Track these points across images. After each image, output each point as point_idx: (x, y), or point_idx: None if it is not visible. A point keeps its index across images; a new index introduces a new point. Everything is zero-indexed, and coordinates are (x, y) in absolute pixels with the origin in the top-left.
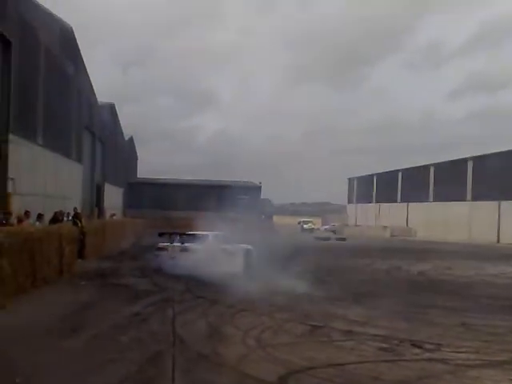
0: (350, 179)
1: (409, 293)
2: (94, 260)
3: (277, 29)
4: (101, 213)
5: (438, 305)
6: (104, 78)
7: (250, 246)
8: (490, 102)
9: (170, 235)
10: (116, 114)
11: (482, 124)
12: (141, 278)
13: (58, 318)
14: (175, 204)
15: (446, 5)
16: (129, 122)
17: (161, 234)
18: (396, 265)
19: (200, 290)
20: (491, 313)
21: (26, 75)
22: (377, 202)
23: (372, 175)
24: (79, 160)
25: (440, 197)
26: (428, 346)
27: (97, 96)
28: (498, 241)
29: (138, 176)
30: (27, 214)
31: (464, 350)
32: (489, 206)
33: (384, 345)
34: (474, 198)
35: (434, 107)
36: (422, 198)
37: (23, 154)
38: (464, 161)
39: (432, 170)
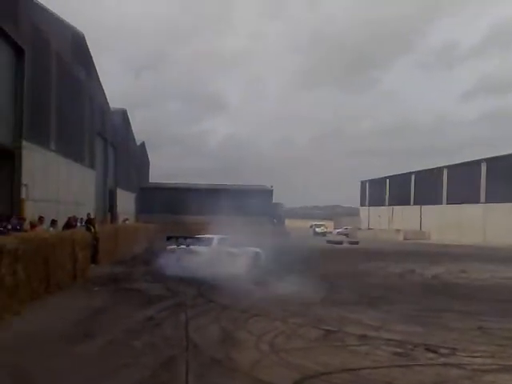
0: (362, 182)
1: (423, 297)
2: (107, 265)
3: (286, 33)
4: (113, 218)
5: (453, 309)
6: (116, 84)
7: (258, 249)
8: (501, 103)
9: (177, 238)
10: (128, 120)
11: (493, 126)
12: (153, 283)
13: (71, 324)
14: (187, 208)
15: (458, 5)
16: (140, 128)
17: (169, 238)
18: (410, 268)
19: (212, 294)
20: (507, 316)
21: (38, 82)
22: (390, 204)
23: (384, 178)
24: (92, 166)
25: (453, 199)
26: (443, 351)
27: (109, 102)
28: None
29: (150, 181)
30: (41, 219)
31: (479, 354)
32: (503, 207)
33: (398, 349)
34: (488, 200)
35: (446, 109)
36: (435, 200)
37: (36, 160)
38: (477, 162)
39: (445, 172)
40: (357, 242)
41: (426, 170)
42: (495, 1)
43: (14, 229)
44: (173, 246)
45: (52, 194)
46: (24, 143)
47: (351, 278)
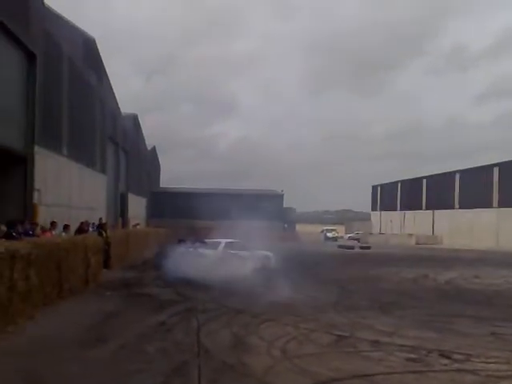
0: (373, 187)
1: (436, 302)
2: (119, 270)
3: (297, 35)
4: (125, 223)
5: (467, 314)
6: (126, 88)
7: (268, 253)
8: None
9: (187, 242)
10: (139, 125)
11: (506, 129)
12: (164, 288)
13: (84, 328)
14: (198, 213)
15: (470, 7)
16: (151, 132)
17: (179, 241)
18: (423, 273)
19: (224, 299)
20: None
21: (50, 87)
22: (401, 209)
23: (396, 182)
24: (103, 171)
25: (466, 204)
26: (457, 357)
27: (120, 106)
28: None
29: (161, 185)
30: (53, 224)
31: (494, 360)
32: None
33: (412, 355)
34: (501, 205)
35: (459, 112)
36: (447, 205)
37: (48, 165)
38: (490, 167)
39: (457, 176)
40: (368, 247)
41: (438, 175)
42: (508, 3)
43: (27, 234)
44: (183, 250)
45: (64, 199)
46: (36, 148)
47: (363, 282)
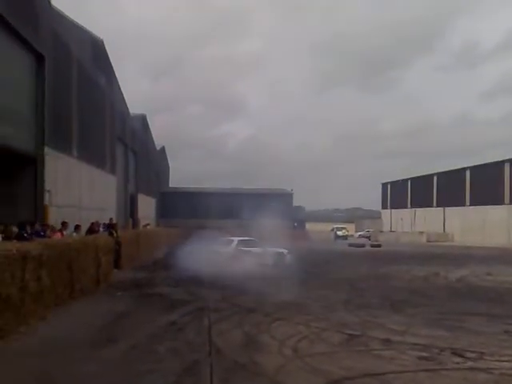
0: (383, 184)
1: (448, 300)
2: (129, 270)
3: (304, 35)
4: (135, 223)
5: (479, 312)
6: (135, 89)
7: (283, 250)
8: None
9: (198, 241)
10: (147, 125)
11: None
12: (175, 288)
13: (95, 329)
14: (207, 213)
15: (478, 4)
16: (160, 133)
17: (191, 240)
18: (434, 271)
19: (235, 298)
20: None
21: (59, 88)
22: (412, 207)
23: (406, 180)
24: (113, 171)
25: (477, 200)
26: (470, 355)
27: (128, 107)
28: None
29: (170, 185)
30: (64, 224)
31: (507, 358)
32: None
33: (424, 353)
34: None
35: (469, 109)
36: (458, 202)
37: (59, 167)
38: (501, 163)
39: (468, 173)
40: (379, 245)
41: (448, 172)
42: None
43: (38, 235)
44: (196, 248)
45: (74, 200)
46: (46, 149)
47: (374, 281)
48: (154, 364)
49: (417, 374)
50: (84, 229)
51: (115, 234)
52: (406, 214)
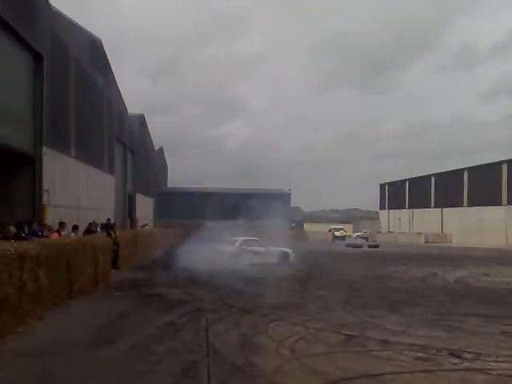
0: (381, 185)
1: (445, 301)
2: (128, 270)
3: (304, 35)
4: (133, 223)
5: (477, 313)
6: (134, 89)
7: (286, 249)
8: None
9: (199, 240)
10: (146, 125)
11: None
12: (173, 288)
13: (93, 329)
14: (205, 213)
15: (477, 4)
16: (159, 133)
17: (191, 240)
18: (432, 272)
19: (232, 299)
20: None
21: (57, 88)
22: (410, 207)
23: (404, 180)
24: (111, 171)
25: (475, 201)
26: (467, 356)
27: (127, 107)
28: None
29: (169, 185)
30: (62, 225)
31: (504, 359)
32: None
33: (421, 354)
34: (510, 202)
35: (467, 110)
36: (456, 202)
37: (57, 167)
38: (498, 164)
39: (466, 174)
40: (377, 246)
41: (446, 172)
42: None
43: (36, 235)
44: (194, 248)
45: (72, 200)
46: (44, 149)
47: (372, 281)
48: (152, 364)
49: (414, 375)
50: (82, 229)
51: (113, 235)
52: (403, 214)
